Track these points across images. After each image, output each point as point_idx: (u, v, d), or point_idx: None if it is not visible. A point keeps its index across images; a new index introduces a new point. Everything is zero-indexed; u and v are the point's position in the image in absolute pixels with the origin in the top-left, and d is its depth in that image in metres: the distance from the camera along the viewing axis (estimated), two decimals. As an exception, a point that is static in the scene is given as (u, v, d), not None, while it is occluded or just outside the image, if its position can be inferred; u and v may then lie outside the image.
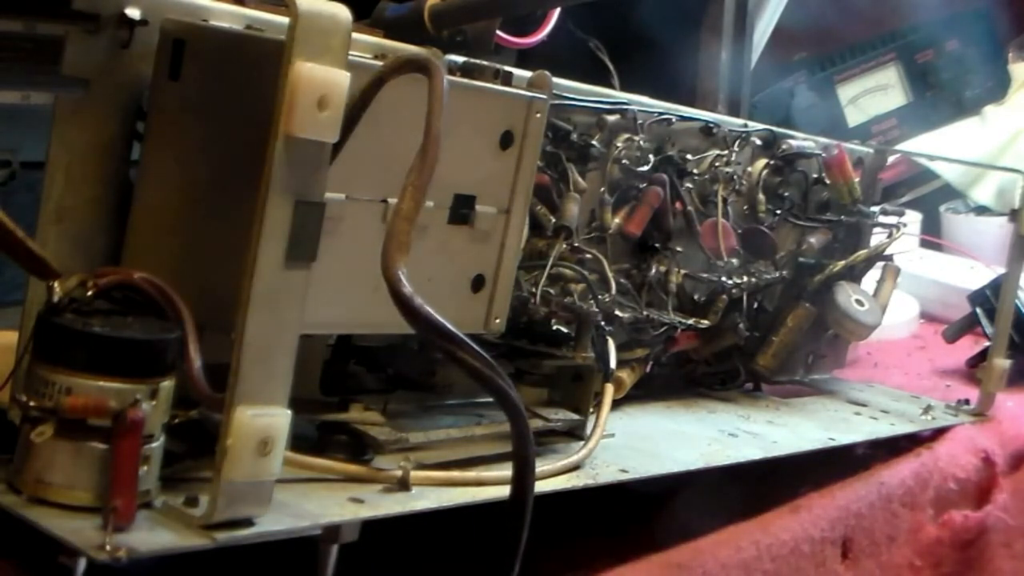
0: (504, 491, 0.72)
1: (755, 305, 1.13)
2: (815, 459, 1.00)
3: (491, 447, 0.81)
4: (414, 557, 0.75)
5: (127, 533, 0.59)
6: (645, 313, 0.99)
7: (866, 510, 0.99)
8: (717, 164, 1.05)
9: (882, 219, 1.21)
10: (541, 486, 0.74)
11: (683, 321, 1.03)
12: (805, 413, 1.12)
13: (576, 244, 0.92)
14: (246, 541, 0.61)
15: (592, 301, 0.88)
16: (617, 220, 0.98)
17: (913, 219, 1.63)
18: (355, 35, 0.63)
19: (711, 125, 1.05)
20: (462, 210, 0.78)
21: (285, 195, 0.60)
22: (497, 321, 0.82)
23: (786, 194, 1.14)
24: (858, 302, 1.16)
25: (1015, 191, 1.21)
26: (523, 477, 0.64)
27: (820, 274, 1.16)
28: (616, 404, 0.94)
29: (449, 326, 0.60)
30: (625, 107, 0.97)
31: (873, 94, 1.85)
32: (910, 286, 1.56)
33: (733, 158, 1.07)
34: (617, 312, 0.95)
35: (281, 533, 0.63)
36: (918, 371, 1.40)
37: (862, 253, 1.19)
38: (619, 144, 0.96)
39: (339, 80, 0.60)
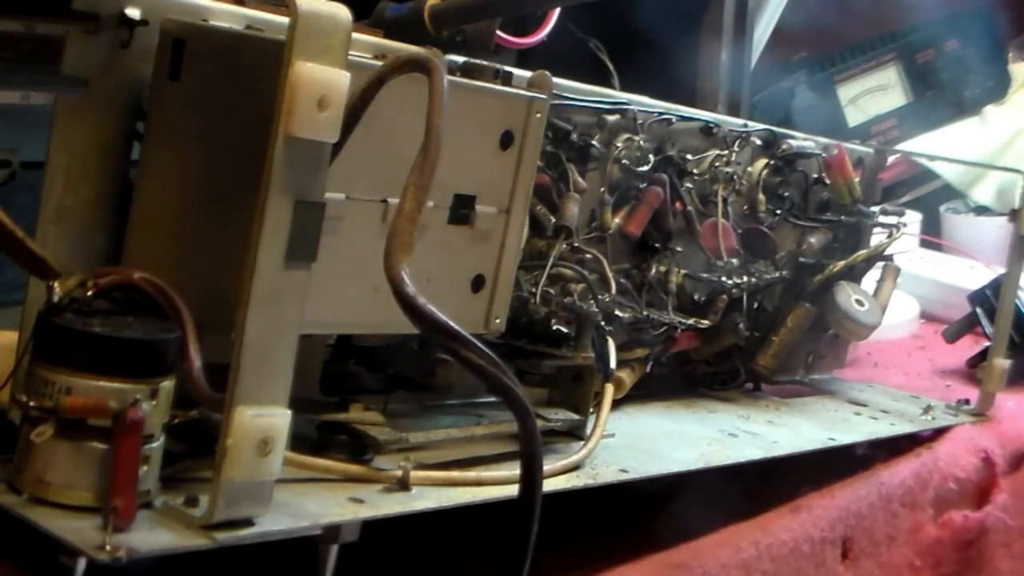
0: (504, 491, 0.72)
1: (755, 305, 1.13)
2: (815, 459, 1.00)
3: (491, 447, 0.81)
4: (414, 557, 0.75)
5: (127, 533, 0.59)
6: (645, 313, 0.99)
7: (866, 510, 0.99)
8: (717, 164, 1.05)
9: (882, 219, 1.21)
10: (541, 486, 0.74)
11: (683, 321, 1.03)
12: (805, 413, 1.12)
13: (576, 244, 0.92)
14: (246, 541, 0.61)
15: (592, 301, 0.88)
16: (617, 220, 0.98)
17: (913, 219, 1.62)
18: (355, 35, 0.63)
19: (711, 125, 1.05)
20: (462, 210, 0.78)
21: (285, 195, 0.60)
22: (497, 321, 0.82)
23: (786, 194, 1.13)
24: (858, 302, 1.16)
25: (1015, 191, 1.21)
26: (531, 475, 0.63)
27: (820, 274, 1.16)
28: (616, 404, 0.94)
29: (453, 325, 0.60)
30: (625, 107, 0.97)
31: (873, 94, 1.85)
32: (910, 286, 1.55)
33: (733, 158, 1.07)
34: (617, 312, 0.95)
35: (281, 533, 0.63)
36: (918, 371, 1.40)
37: (862, 253, 1.19)
38: (619, 144, 0.96)
39: (339, 80, 0.60)
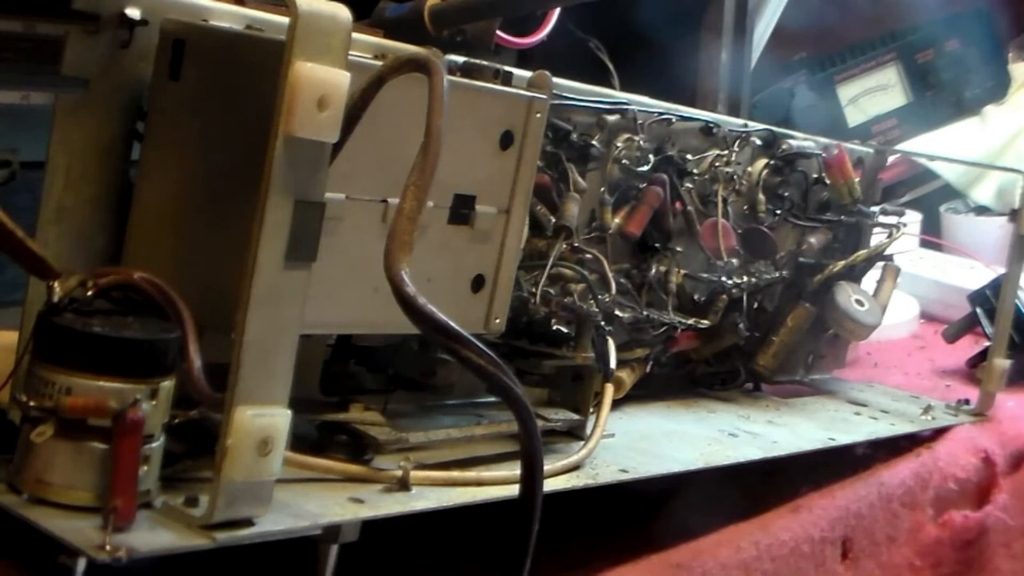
0: (504, 491, 0.72)
1: (755, 305, 1.13)
2: (815, 459, 1.00)
3: (491, 447, 0.81)
4: (414, 557, 0.75)
5: (127, 533, 0.59)
6: (645, 313, 0.99)
7: (866, 510, 0.99)
8: (717, 164, 1.05)
9: (882, 219, 1.21)
10: (541, 486, 0.74)
11: (683, 321, 1.03)
12: (805, 413, 1.12)
13: (576, 244, 0.92)
14: (246, 541, 0.61)
15: (592, 301, 0.88)
16: (617, 220, 0.98)
17: (913, 219, 1.63)
18: (355, 35, 0.63)
19: (711, 125, 1.05)
20: (462, 210, 0.78)
21: (285, 195, 0.60)
22: (497, 321, 0.82)
23: (786, 194, 1.13)
24: (858, 302, 1.16)
25: (1015, 191, 1.22)
26: (532, 475, 0.63)
27: (820, 274, 1.16)
28: (616, 404, 0.94)
29: (453, 325, 0.60)
30: (625, 107, 0.97)
31: (873, 94, 1.85)
32: (910, 286, 1.56)
33: (733, 158, 1.07)
34: (617, 312, 0.95)
35: (281, 533, 0.63)
36: (918, 371, 1.40)
37: (862, 253, 1.19)
38: (619, 144, 0.96)
39: (339, 80, 0.60)
